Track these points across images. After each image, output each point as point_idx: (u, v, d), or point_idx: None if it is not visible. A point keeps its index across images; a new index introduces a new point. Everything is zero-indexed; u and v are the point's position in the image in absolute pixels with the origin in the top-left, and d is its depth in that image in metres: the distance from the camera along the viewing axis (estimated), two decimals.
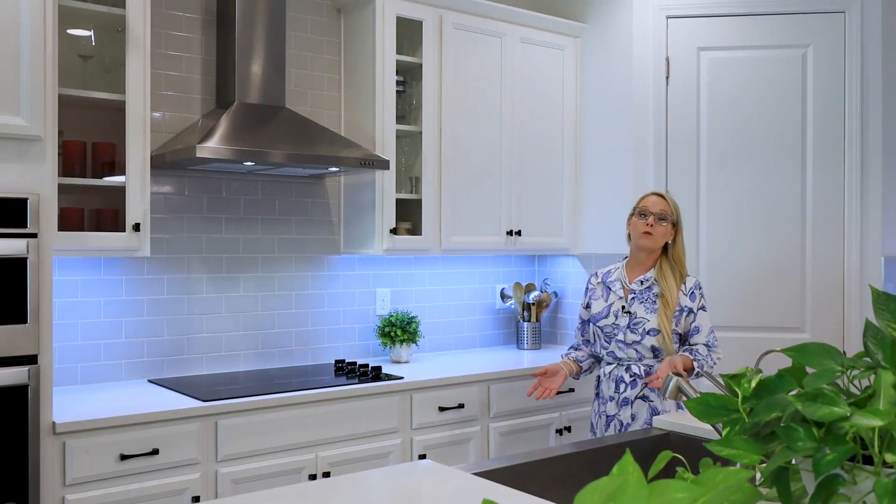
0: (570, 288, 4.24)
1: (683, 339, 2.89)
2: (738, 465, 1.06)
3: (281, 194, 3.57)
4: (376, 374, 3.28)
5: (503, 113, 3.88)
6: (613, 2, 4.01)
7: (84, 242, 2.79)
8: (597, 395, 2.97)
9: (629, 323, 2.87)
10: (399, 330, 3.64)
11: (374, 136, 3.50)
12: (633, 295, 2.90)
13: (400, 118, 3.64)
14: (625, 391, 2.85)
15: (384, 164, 3.31)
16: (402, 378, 3.25)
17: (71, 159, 2.87)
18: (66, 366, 3.01)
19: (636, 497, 0.81)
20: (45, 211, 2.46)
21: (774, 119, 3.80)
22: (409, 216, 3.68)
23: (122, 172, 2.90)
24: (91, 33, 2.95)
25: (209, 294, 3.37)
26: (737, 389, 1.17)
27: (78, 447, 2.48)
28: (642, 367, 2.85)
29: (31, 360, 2.41)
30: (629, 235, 2.96)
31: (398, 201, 3.57)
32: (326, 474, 2.94)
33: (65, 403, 2.66)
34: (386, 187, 3.51)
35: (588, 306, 3.01)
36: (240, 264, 3.46)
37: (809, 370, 1.10)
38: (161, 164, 3.06)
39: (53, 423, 2.46)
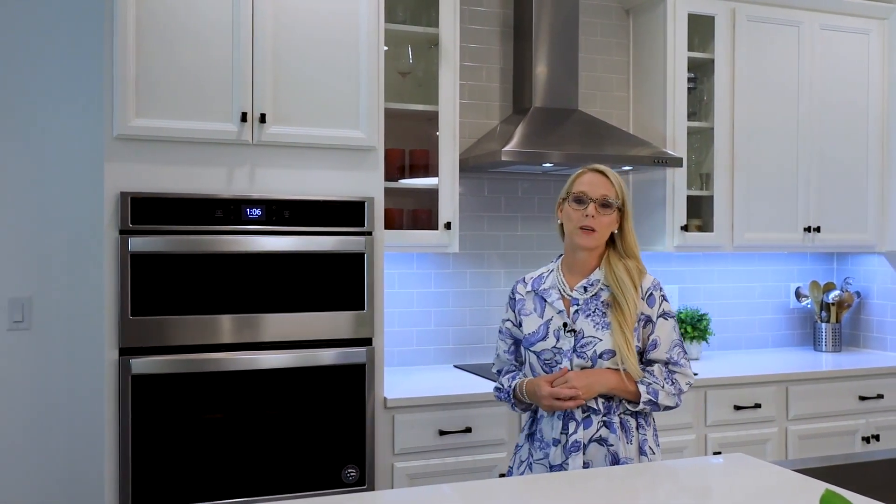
0: (876, 288, 3.97)
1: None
2: None
3: None
4: None
5: (800, 104, 3.73)
6: None
7: (405, 239, 3.13)
8: (530, 436, 2.26)
9: (575, 345, 2.17)
10: (689, 327, 3.64)
11: (664, 134, 3.53)
12: (576, 307, 2.19)
13: (690, 115, 3.64)
14: (575, 432, 2.14)
15: (677, 162, 3.33)
16: (696, 374, 3.25)
17: (392, 165, 3.22)
18: (387, 349, 3.38)
19: None
20: (377, 212, 2.80)
21: None
22: (699, 213, 3.66)
23: (435, 175, 3.20)
24: (409, 51, 3.29)
25: (506, 288, 3.60)
26: None
27: (405, 421, 2.80)
28: (601, 401, 2.15)
29: (367, 342, 2.77)
30: (561, 227, 2.26)
31: (688, 198, 3.57)
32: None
33: (390, 382, 2.99)
34: (677, 184, 3.52)
35: (520, 324, 2.27)
36: (534, 260, 3.65)
37: None
38: (464, 167, 3.32)
39: (385, 398, 2.80)
